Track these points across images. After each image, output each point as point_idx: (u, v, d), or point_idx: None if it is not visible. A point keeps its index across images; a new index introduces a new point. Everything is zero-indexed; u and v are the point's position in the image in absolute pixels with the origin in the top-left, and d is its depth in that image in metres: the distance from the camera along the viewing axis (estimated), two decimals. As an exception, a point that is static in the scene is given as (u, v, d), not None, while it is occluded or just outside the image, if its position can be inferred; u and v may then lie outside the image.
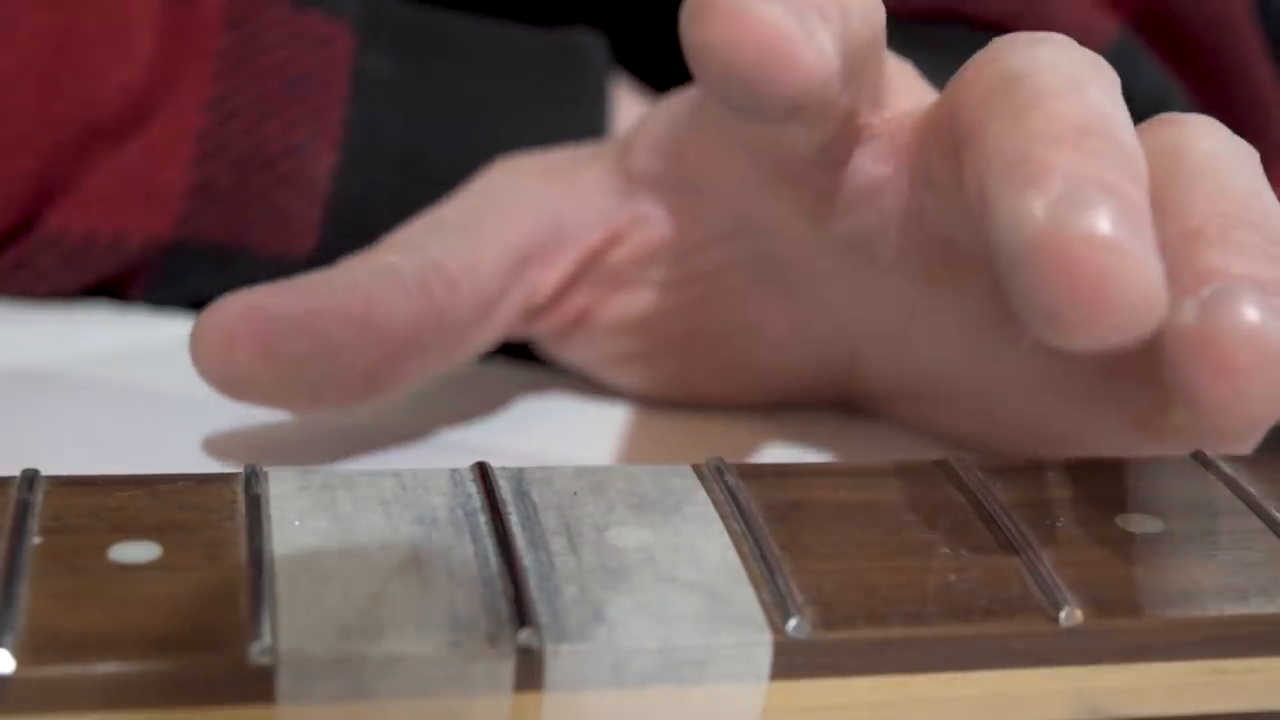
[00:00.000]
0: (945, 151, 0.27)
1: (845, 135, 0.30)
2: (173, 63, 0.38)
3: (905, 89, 0.30)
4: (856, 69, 0.27)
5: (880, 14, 0.27)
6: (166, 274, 0.39)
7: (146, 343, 0.38)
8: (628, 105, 0.43)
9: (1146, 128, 0.27)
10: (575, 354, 0.36)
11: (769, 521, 0.25)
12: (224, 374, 0.31)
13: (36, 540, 0.23)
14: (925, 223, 0.30)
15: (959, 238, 0.30)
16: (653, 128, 0.34)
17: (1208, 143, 0.27)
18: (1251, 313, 0.23)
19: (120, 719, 0.21)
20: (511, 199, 0.35)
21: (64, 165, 0.37)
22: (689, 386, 0.37)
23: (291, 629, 0.22)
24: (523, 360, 0.38)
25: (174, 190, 0.38)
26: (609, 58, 0.43)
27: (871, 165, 0.30)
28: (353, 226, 0.39)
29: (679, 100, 0.34)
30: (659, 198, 0.34)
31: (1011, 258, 0.23)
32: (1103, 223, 0.23)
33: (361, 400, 0.32)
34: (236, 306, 0.31)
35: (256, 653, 0.21)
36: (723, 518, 0.25)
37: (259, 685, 0.21)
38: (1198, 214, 0.25)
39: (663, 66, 0.43)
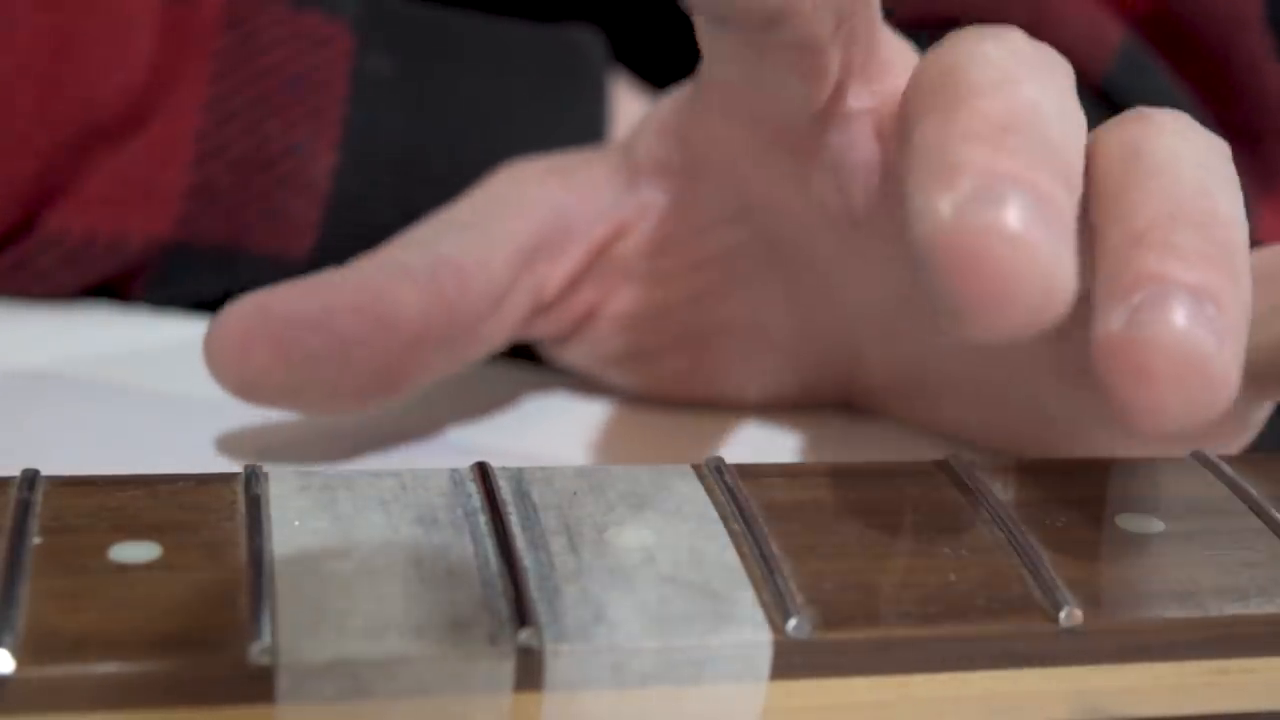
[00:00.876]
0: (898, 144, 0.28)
1: (837, 103, 0.30)
2: (172, 63, 0.38)
3: (900, 65, 0.31)
4: (845, 12, 0.28)
5: None
6: (166, 275, 0.39)
7: (146, 343, 0.38)
8: (627, 103, 0.43)
9: (1113, 125, 0.27)
10: (580, 353, 0.36)
11: (769, 521, 0.25)
12: (240, 377, 0.31)
13: (36, 540, 0.23)
14: None
15: None
16: (658, 114, 0.35)
17: (1169, 140, 0.27)
18: (1174, 321, 0.23)
19: (120, 719, 0.21)
20: (518, 198, 0.35)
21: (63, 166, 0.37)
22: (692, 386, 0.37)
23: (291, 629, 0.22)
24: (523, 360, 0.38)
25: (173, 191, 0.38)
26: (608, 55, 0.43)
27: (862, 141, 0.31)
28: (352, 227, 0.39)
29: (681, 90, 0.34)
30: (663, 184, 0.35)
31: (917, 254, 0.23)
32: (1006, 217, 0.23)
33: (376, 400, 0.32)
34: (249, 308, 0.31)
35: (256, 653, 0.21)
36: (723, 518, 0.25)
37: (259, 685, 0.21)
38: (1143, 216, 0.25)
39: (662, 64, 0.43)
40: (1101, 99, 0.41)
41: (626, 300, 0.36)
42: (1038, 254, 0.23)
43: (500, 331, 0.34)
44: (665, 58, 0.42)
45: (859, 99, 0.30)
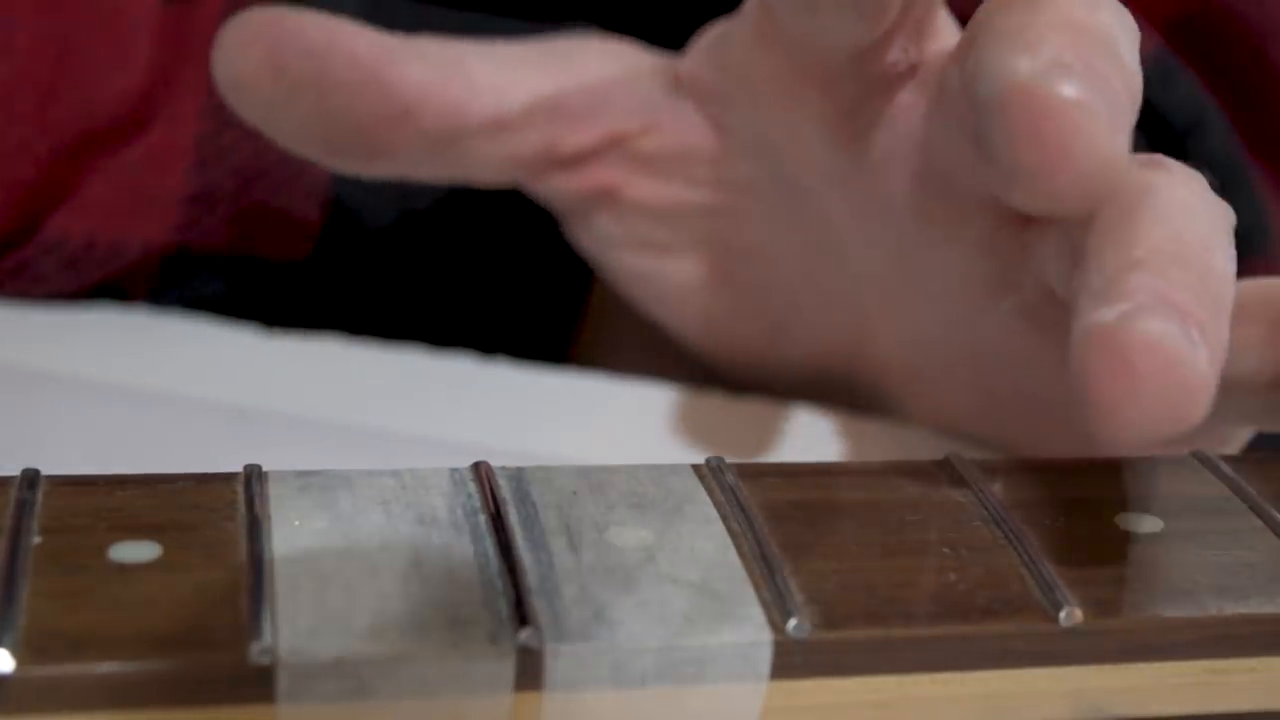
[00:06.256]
0: (959, 58, 0.28)
1: (880, 49, 0.31)
2: (172, 67, 0.38)
3: (946, 32, 0.32)
4: None
5: None
6: (166, 280, 0.39)
7: (146, 343, 0.38)
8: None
9: (1132, 163, 0.28)
10: (598, 230, 0.37)
11: (769, 521, 0.25)
12: (230, 71, 0.32)
13: (36, 540, 0.23)
14: (931, 156, 0.31)
15: (959, 176, 0.31)
16: (710, 33, 0.35)
17: (1183, 192, 0.27)
18: (1162, 326, 0.24)
19: (120, 719, 0.21)
20: (572, 53, 0.36)
21: (64, 172, 0.37)
22: (696, 303, 0.37)
23: (291, 629, 0.22)
24: (522, 360, 0.38)
25: (173, 196, 0.38)
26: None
27: (895, 89, 0.31)
28: (352, 230, 0.39)
29: (739, 11, 0.35)
30: (697, 101, 0.36)
31: (987, 106, 0.25)
32: (1080, 89, 0.24)
33: (348, 162, 0.34)
34: (269, 14, 0.32)
35: (256, 653, 0.21)
36: (723, 518, 0.25)
37: (259, 685, 0.21)
38: (1145, 246, 0.25)
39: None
40: None
41: (647, 189, 0.36)
42: (1104, 126, 0.24)
43: (500, 160, 0.35)
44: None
45: (903, 53, 0.31)
